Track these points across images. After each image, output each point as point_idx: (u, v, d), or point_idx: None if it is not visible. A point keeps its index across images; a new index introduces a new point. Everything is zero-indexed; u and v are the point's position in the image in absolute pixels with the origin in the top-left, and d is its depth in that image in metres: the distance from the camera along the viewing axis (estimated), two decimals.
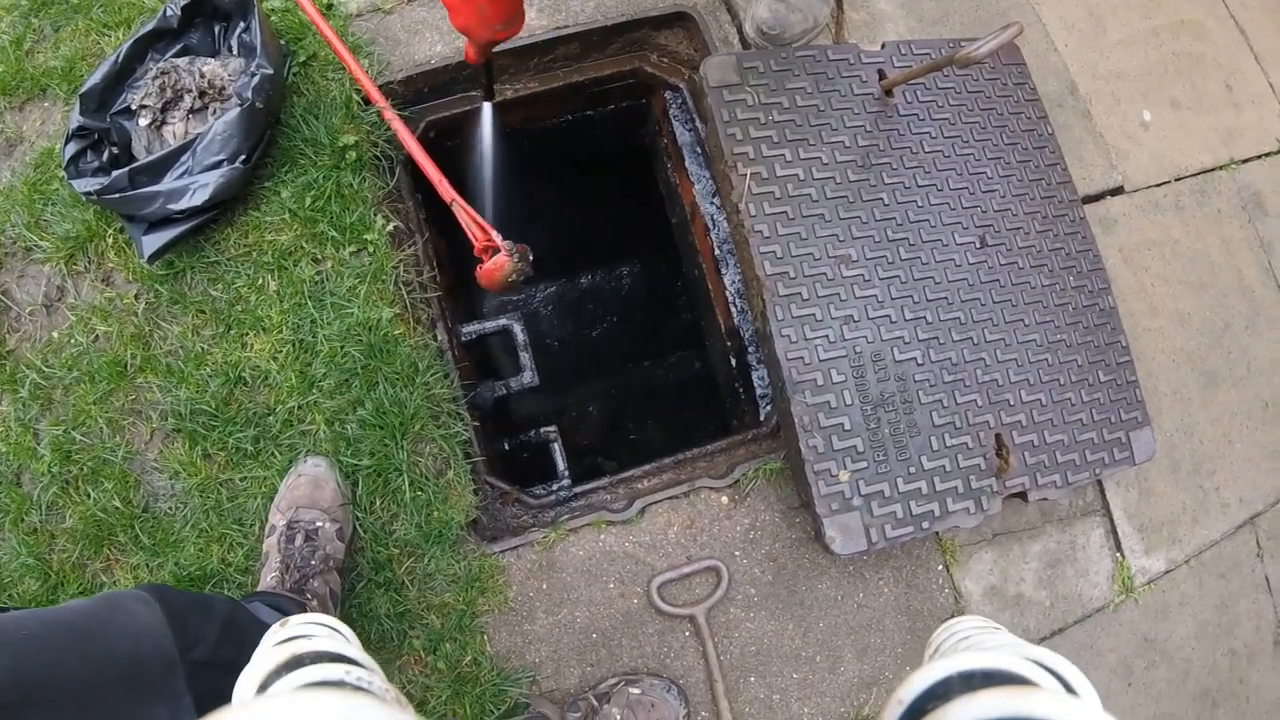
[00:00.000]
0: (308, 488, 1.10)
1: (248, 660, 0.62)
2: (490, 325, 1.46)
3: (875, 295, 1.21)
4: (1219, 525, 1.43)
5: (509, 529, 1.26)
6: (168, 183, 1.14)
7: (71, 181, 1.16)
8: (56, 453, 1.16)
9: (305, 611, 1.01)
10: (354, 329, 1.19)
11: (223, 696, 0.59)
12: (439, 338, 1.30)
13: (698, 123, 1.51)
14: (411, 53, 1.37)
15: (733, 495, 1.27)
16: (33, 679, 0.63)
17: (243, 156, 1.15)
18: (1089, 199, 1.50)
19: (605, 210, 2.35)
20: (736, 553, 1.24)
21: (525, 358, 1.46)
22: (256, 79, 1.15)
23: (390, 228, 1.26)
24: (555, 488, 1.33)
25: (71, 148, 1.17)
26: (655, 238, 2.00)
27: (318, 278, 1.22)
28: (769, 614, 1.22)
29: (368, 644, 1.10)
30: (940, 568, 1.29)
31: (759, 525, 1.25)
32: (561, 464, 1.44)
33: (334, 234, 1.22)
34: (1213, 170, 1.60)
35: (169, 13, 1.22)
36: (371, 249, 1.23)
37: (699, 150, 1.52)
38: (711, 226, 1.50)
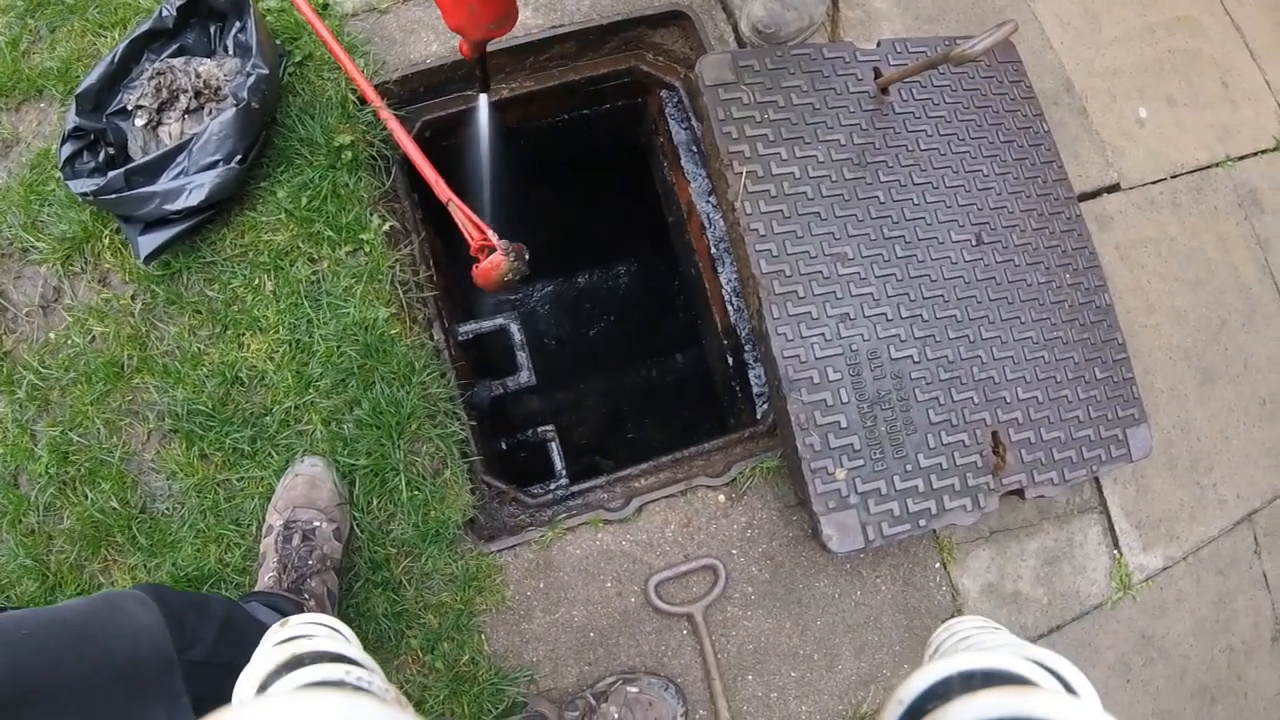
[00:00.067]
0: (305, 488, 1.10)
1: (245, 660, 0.62)
2: (487, 325, 1.46)
3: (871, 293, 1.21)
4: (1216, 522, 1.43)
5: (506, 528, 1.26)
6: (164, 183, 1.14)
7: (68, 182, 1.16)
8: (54, 454, 1.16)
9: (302, 611, 1.01)
10: (350, 329, 1.19)
11: (220, 696, 0.59)
12: (435, 337, 1.30)
13: (693, 121, 1.51)
14: (407, 52, 1.37)
15: (730, 494, 1.27)
16: (31, 678, 0.63)
17: (238, 157, 1.15)
18: (1085, 196, 1.50)
19: (602, 209, 2.35)
20: (734, 551, 1.24)
21: (522, 357, 1.46)
22: (252, 79, 1.15)
23: (386, 227, 1.26)
24: (553, 487, 1.33)
25: (67, 148, 1.18)
26: (652, 237, 2.00)
27: (314, 277, 1.22)
28: (766, 612, 1.23)
29: (365, 644, 1.10)
30: (938, 565, 1.29)
31: (756, 524, 1.25)
32: (559, 463, 1.45)
33: (330, 234, 1.22)
34: (1209, 167, 1.61)
35: (164, 13, 1.22)
36: (368, 249, 1.23)
37: (695, 149, 1.52)
38: (708, 225, 1.50)
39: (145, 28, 1.22)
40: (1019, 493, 1.22)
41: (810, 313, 1.18)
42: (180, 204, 1.13)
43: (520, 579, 1.19)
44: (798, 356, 1.16)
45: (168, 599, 0.82)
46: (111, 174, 1.13)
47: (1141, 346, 1.45)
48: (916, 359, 1.20)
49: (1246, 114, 1.68)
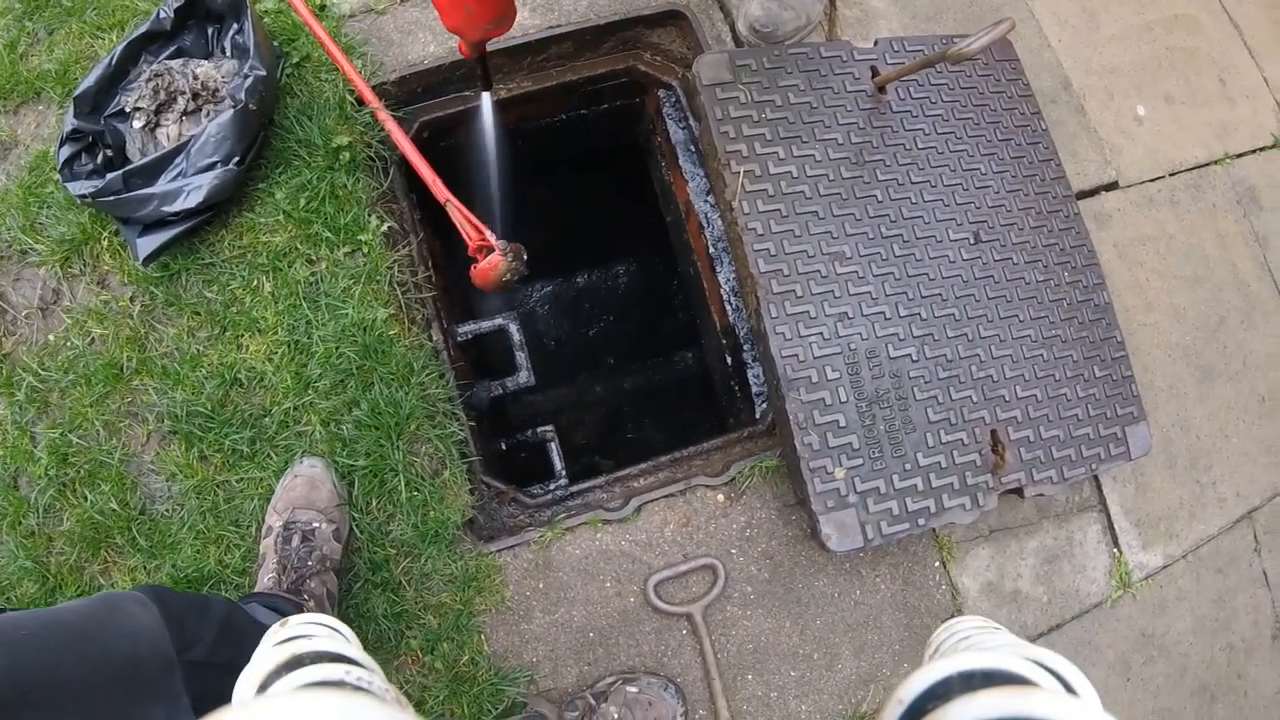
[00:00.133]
0: (304, 488, 1.10)
1: (244, 660, 0.62)
2: (486, 325, 1.46)
3: (869, 292, 1.21)
4: (1216, 520, 1.43)
5: (505, 528, 1.26)
6: (162, 185, 1.14)
7: (66, 184, 1.17)
8: (53, 455, 1.16)
9: (302, 612, 1.01)
10: (349, 330, 1.19)
11: (220, 697, 0.59)
12: (434, 338, 1.30)
13: (691, 121, 1.51)
14: (405, 53, 1.38)
15: (729, 493, 1.27)
16: (31, 679, 0.63)
17: (236, 158, 1.15)
18: (1083, 194, 1.50)
19: (600, 209, 2.35)
20: (733, 550, 1.24)
21: (521, 357, 1.46)
22: (250, 80, 1.15)
23: (385, 228, 1.26)
24: (552, 487, 1.33)
25: (66, 150, 1.18)
26: (650, 236, 2.00)
27: (312, 279, 1.22)
28: (766, 611, 1.23)
29: (365, 644, 1.10)
30: (937, 564, 1.29)
31: (755, 523, 1.26)
32: (559, 463, 1.45)
33: (328, 235, 1.22)
34: (1207, 165, 1.61)
35: (162, 15, 1.22)
36: (366, 250, 1.23)
37: (693, 149, 1.52)
38: (706, 225, 1.50)
39: (143, 30, 1.22)
40: (1018, 491, 1.22)
41: (808, 312, 1.18)
42: (179, 206, 1.13)
43: (520, 579, 1.20)
44: (796, 356, 1.16)
45: (167, 600, 0.82)
46: (110, 176, 1.13)
47: (1140, 344, 1.45)
48: (915, 358, 1.20)
49: (1244, 111, 1.68)
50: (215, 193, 1.14)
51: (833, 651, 1.23)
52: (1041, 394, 1.25)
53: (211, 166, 1.14)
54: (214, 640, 0.84)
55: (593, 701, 1.11)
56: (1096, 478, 1.38)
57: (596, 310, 2.58)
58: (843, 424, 1.16)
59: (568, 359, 2.52)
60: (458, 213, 1.16)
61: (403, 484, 1.16)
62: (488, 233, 1.15)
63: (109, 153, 1.21)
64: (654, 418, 2.43)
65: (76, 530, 1.14)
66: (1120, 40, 1.63)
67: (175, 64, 1.22)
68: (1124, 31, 1.64)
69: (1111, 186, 1.53)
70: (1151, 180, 1.56)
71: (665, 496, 1.25)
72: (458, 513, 1.19)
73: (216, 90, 1.21)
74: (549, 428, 1.52)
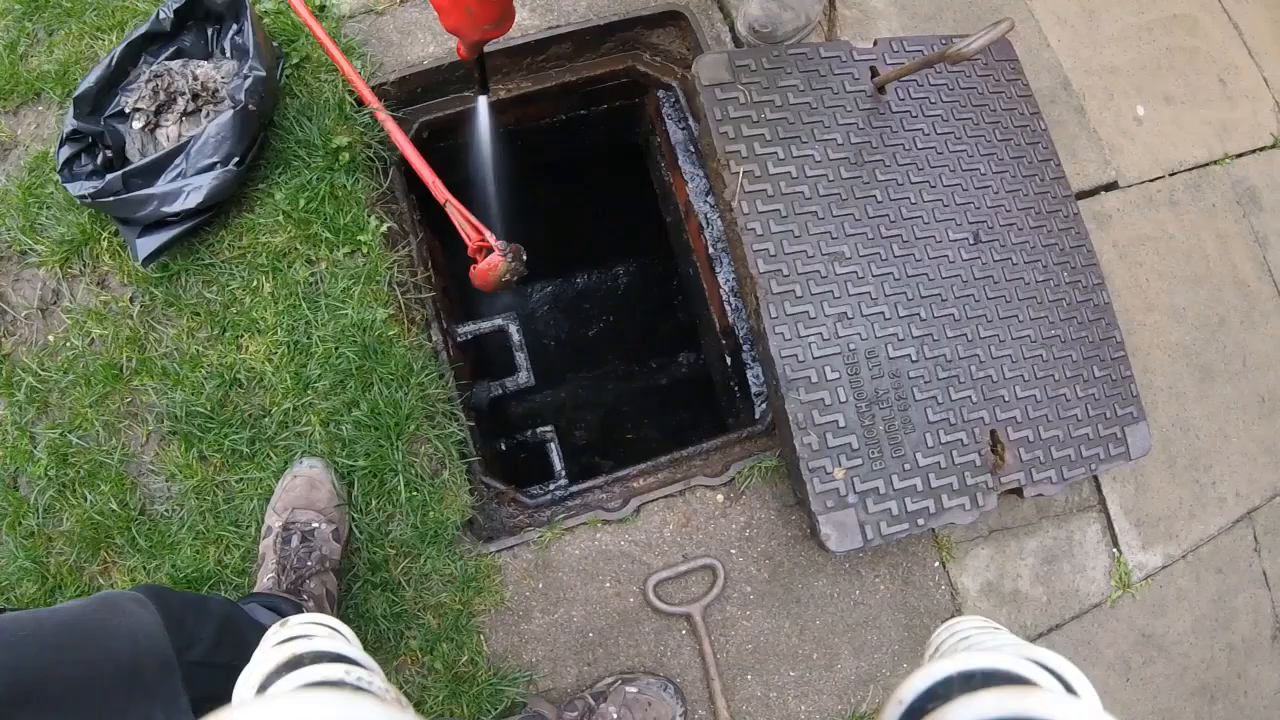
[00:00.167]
0: (303, 489, 1.10)
1: (244, 661, 0.62)
2: (485, 325, 1.46)
3: (869, 292, 1.21)
4: (1216, 520, 1.43)
5: (505, 529, 1.26)
6: (162, 185, 1.14)
7: (66, 185, 1.17)
8: (53, 456, 1.16)
9: (301, 612, 1.01)
10: (348, 330, 1.19)
11: (219, 697, 0.59)
12: (434, 338, 1.30)
13: (690, 121, 1.51)
14: (404, 54, 1.38)
15: (728, 493, 1.27)
16: (30, 679, 0.63)
17: (236, 159, 1.15)
18: (1083, 194, 1.50)
19: (600, 210, 2.35)
20: (732, 551, 1.24)
21: (521, 358, 1.46)
22: (249, 81, 1.15)
23: (384, 229, 1.26)
24: (551, 487, 1.33)
25: (65, 151, 1.18)
26: (649, 237, 2.00)
27: (312, 279, 1.22)
28: (765, 612, 1.23)
29: (364, 644, 1.10)
30: (936, 564, 1.29)
31: (755, 523, 1.25)
32: (558, 463, 1.45)
33: (328, 235, 1.22)
34: (1207, 165, 1.61)
35: (162, 16, 1.22)
36: (365, 250, 1.23)
37: (692, 149, 1.52)
38: (705, 225, 1.50)
39: (142, 30, 1.22)
40: (1017, 491, 1.22)
41: (808, 312, 1.18)
42: (178, 206, 1.13)
43: (519, 579, 1.20)
44: (795, 356, 1.16)
45: (167, 600, 0.82)
46: (109, 176, 1.13)
47: (1140, 344, 1.45)
48: (914, 358, 1.20)
49: (1244, 111, 1.68)
50: (215, 193, 1.14)
51: (832, 651, 1.23)
52: (1041, 394, 1.25)
53: (211, 167, 1.14)
54: (213, 640, 0.84)
55: (592, 702, 1.11)
56: (1096, 478, 1.38)
57: (596, 310, 2.58)
58: (842, 424, 1.16)
59: (567, 359, 2.52)
60: (457, 213, 1.16)
61: (402, 484, 1.16)
62: (487, 233, 1.15)
63: (109, 153, 1.21)
64: (653, 418, 2.43)
65: (76, 530, 1.14)
66: (1120, 40, 1.63)
67: (175, 65, 1.22)
68: (1124, 31, 1.64)
69: (1111, 186, 1.53)
70: (1151, 180, 1.56)
71: (665, 497, 1.25)
72: (457, 513, 1.19)
73: (216, 91, 1.21)
74: (548, 428, 1.52)
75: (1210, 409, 1.46)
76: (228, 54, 1.25)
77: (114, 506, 1.14)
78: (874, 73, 1.30)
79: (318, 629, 0.73)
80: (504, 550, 1.21)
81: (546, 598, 1.19)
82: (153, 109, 1.19)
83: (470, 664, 1.14)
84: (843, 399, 1.16)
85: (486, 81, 1.23)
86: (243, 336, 1.20)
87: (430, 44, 1.38)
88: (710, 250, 1.50)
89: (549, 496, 1.31)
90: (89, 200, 1.15)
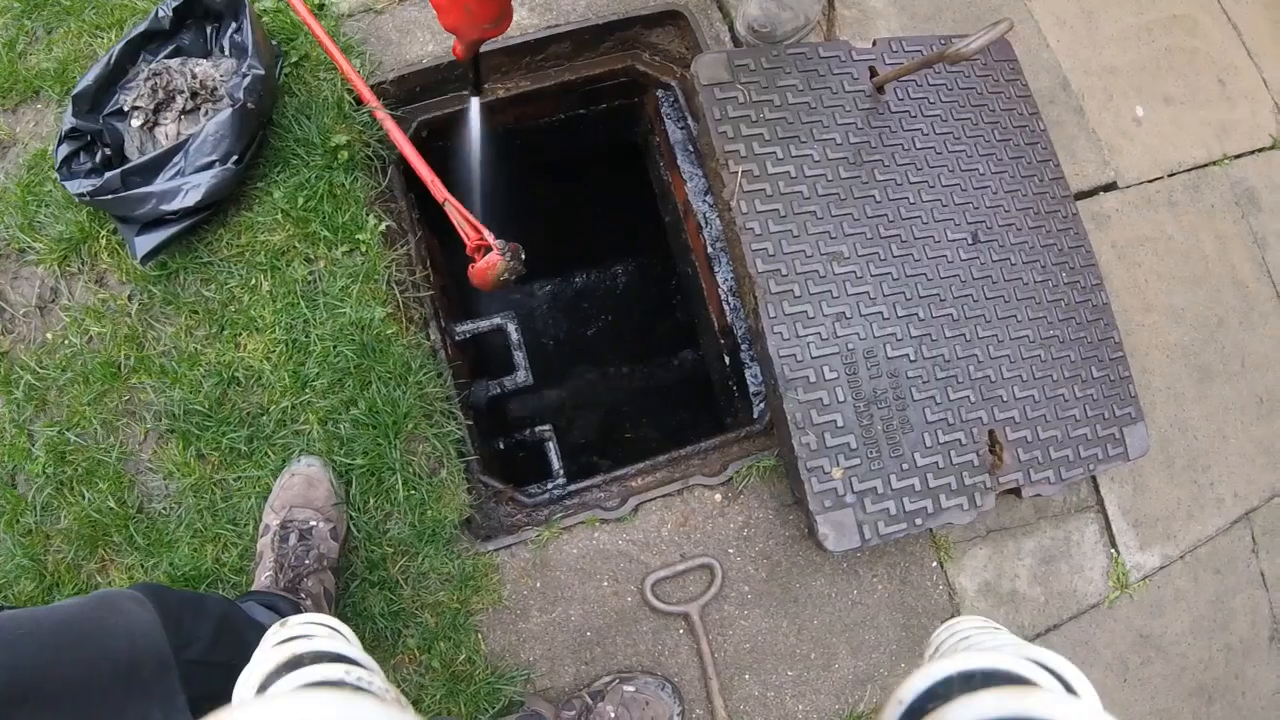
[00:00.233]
0: (301, 487, 1.10)
1: (242, 660, 0.62)
2: (484, 324, 1.46)
3: (867, 292, 1.21)
4: (1214, 521, 1.43)
5: (503, 527, 1.26)
6: (160, 184, 1.14)
7: (64, 183, 1.17)
8: (51, 454, 1.16)
9: (299, 611, 1.01)
10: (347, 328, 1.19)
11: (217, 696, 0.59)
12: (432, 337, 1.30)
13: (689, 121, 1.51)
14: (403, 52, 1.38)
15: (726, 493, 1.27)
16: (28, 677, 0.63)
17: (235, 157, 1.15)
18: (1082, 195, 1.50)
19: (598, 209, 2.35)
20: (730, 550, 1.24)
21: (519, 357, 1.46)
22: (248, 79, 1.15)
23: (383, 227, 1.26)
24: (549, 486, 1.33)
25: (64, 149, 1.18)
26: (648, 236, 2.00)
27: (310, 278, 1.22)
28: (763, 611, 1.23)
29: (362, 643, 1.10)
30: (934, 564, 1.29)
31: (753, 523, 1.26)
32: (556, 462, 1.45)
33: (326, 234, 1.22)
34: (1206, 166, 1.61)
35: (161, 14, 1.22)
36: (364, 249, 1.23)
37: (691, 148, 1.52)
38: (704, 224, 1.50)
39: (141, 29, 1.22)
40: (1016, 491, 1.22)
41: (806, 312, 1.18)
42: (177, 204, 1.13)
43: (517, 578, 1.20)
44: (794, 355, 1.16)
45: (165, 598, 0.82)
46: (108, 174, 1.13)
47: (1138, 345, 1.45)
48: (913, 358, 1.20)
49: (1243, 112, 1.68)
50: (213, 191, 1.14)
51: (830, 651, 1.23)
52: (1039, 394, 1.25)
53: (210, 165, 1.14)
54: (211, 639, 0.84)
55: (590, 701, 1.11)
56: (1094, 478, 1.38)
57: (595, 310, 2.58)
58: (840, 424, 1.16)
59: (566, 359, 2.52)
60: (456, 212, 1.16)
61: (400, 483, 1.16)
62: (486, 232, 1.15)
63: (107, 151, 1.21)
64: (652, 417, 2.43)
65: (74, 528, 1.14)
66: (1119, 41, 1.63)
67: (174, 63, 1.22)
68: (1123, 32, 1.64)
69: (1110, 187, 1.53)
70: (1150, 181, 1.56)
71: (663, 496, 1.25)
72: (455, 512, 1.19)
73: (215, 89, 1.21)
74: (547, 427, 1.52)
75: (1208, 410, 1.47)
76: (226, 52, 1.25)
77: (112, 504, 1.14)
78: (873, 73, 1.30)
79: (317, 629, 0.73)
80: (502, 549, 1.21)
81: (544, 597, 1.19)
82: (151, 107, 1.19)
83: (468, 663, 1.14)
84: (841, 399, 1.16)
85: (481, 83, 1.22)
86: (241, 335, 1.20)
87: (429, 43, 1.38)
88: (709, 250, 1.50)
89: (547, 495, 1.31)
90: (87, 198, 1.15)
